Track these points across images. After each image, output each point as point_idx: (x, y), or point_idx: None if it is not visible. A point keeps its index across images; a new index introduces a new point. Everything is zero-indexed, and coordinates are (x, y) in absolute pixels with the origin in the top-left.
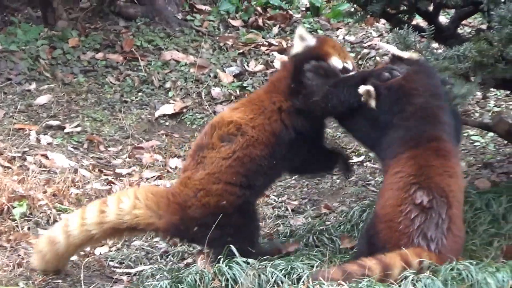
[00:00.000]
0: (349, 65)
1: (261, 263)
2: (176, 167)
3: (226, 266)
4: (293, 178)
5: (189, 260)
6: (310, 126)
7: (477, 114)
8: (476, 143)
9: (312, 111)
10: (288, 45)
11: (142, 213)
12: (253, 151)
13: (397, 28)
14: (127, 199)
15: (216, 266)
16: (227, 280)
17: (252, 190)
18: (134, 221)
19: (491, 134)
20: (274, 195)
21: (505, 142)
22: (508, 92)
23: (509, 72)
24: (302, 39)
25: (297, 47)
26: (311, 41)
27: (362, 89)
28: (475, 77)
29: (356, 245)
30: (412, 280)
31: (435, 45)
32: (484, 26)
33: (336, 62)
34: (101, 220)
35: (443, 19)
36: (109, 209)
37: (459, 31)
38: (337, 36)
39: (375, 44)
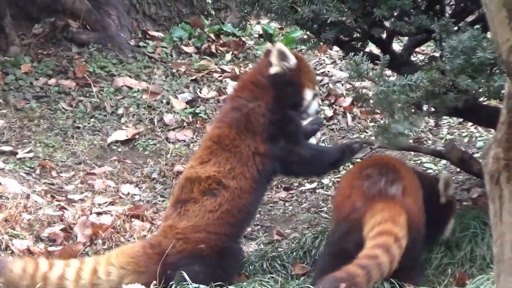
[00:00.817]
0: (317, 90)
1: None
2: (128, 193)
3: None
4: None
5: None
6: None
7: (430, 142)
8: (429, 171)
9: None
10: (241, 71)
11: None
12: (240, 202)
13: (351, 55)
14: (101, 268)
15: None
16: None
17: (237, 237)
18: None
19: (443, 161)
20: None
21: (458, 169)
22: (461, 120)
23: (460, 101)
24: (282, 58)
25: (276, 66)
26: (292, 61)
27: None
28: (427, 105)
29: (316, 266)
30: None
31: (388, 72)
32: (437, 54)
33: (308, 94)
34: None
35: (396, 46)
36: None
37: (413, 58)
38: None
39: (328, 71)
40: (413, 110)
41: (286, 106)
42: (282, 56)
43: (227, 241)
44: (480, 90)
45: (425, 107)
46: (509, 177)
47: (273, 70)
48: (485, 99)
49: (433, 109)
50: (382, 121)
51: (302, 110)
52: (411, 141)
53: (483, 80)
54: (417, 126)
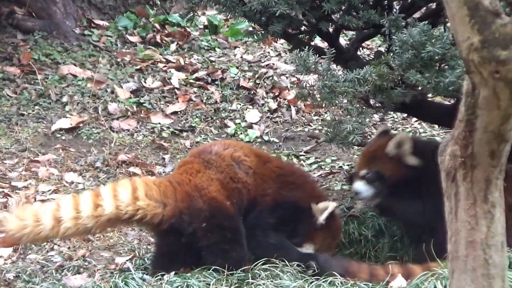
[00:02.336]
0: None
1: (157, 280)
2: (72, 182)
3: (122, 281)
4: None
5: (84, 275)
6: None
7: (373, 137)
8: None
9: None
10: (186, 62)
11: (146, 204)
12: (244, 196)
13: (297, 49)
14: (124, 191)
15: (112, 281)
16: None
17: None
18: (137, 213)
19: None
20: None
21: None
22: (405, 115)
23: (408, 96)
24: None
25: None
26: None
27: None
28: (375, 100)
29: None
30: None
31: (335, 66)
32: (383, 49)
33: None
34: (98, 214)
35: (342, 41)
36: (105, 203)
37: (359, 53)
38: (235, 55)
39: (273, 64)
40: (358, 105)
41: None
42: None
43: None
44: (429, 86)
45: (372, 102)
46: (465, 175)
47: None
48: (433, 95)
49: (380, 104)
50: (329, 118)
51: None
52: (360, 137)
53: (432, 76)
54: (365, 123)
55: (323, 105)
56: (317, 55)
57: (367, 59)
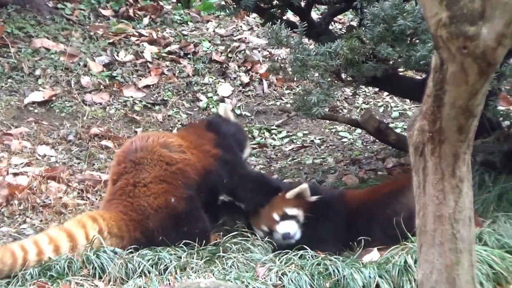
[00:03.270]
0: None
1: (128, 253)
2: (44, 155)
3: (94, 254)
4: None
5: None
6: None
7: (345, 111)
8: (344, 139)
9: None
10: (158, 36)
11: (109, 243)
12: (190, 172)
13: (270, 23)
14: (93, 231)
15: (84, 254)
16: (95, 268)
17: (194, 194)
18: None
19: (358, 130)
20: None
21: (373, 139)
22: (377, 89)
23: (379, 70)
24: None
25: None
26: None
27: None
28: (346, 74)
29: None
30: (277, 273)
31: (306, 40)
32: (355, 23)
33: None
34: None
35: (314, 15)
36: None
37: (330, 27)
38: (207, 29)
39: (245, 38)
40: (329, 79)
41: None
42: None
43: (187, 194)
44: (400, 60)
45: (344, 76)
46: (433, 149)
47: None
48: (404, 69)
49: (351, 78)
50: (298, 89)
51: None
52: (326, 109)
53: (403, 49)
54: (333, 96)
55: (295, 79)
56: (289, 29)
57: (339, 33)
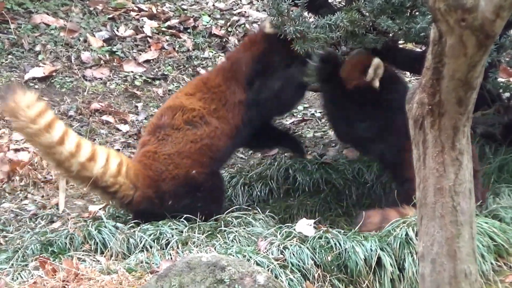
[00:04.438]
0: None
1: (130, 228)
2: None
3: (95, 230)
4: None
5: (58, 224)
6: (261, 118)
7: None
8: None
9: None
10: (158, 10)
11: (123, 181)
12: (218, 143)
13: None
14: (115, 160)
15: (86, 229)
16: (97, 243)
17: (219, 164)
18: (114, 186)
19: None
20: None
21: None
22: None
23: (379, 42)
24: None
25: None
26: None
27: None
28: (346, 46)
29: None
30: (278, 247)
31: (306, 14)
32: None
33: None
34: (88, 167)
35: None
36: (97, 163)
37: (330, 0)
38: (207, 3)
39: (245, 12)
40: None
41: (272, 61)
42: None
43: (210, 167)
44: (400, 32)
45: (344, 48)
46: (433, 122)
47: (267, 30)
48: (404, 41)
49: (351, 50)
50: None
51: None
52: None
53: (403, 22)
54: None
55: (296, 50)
56: (290, 0)
57: (339, 6)
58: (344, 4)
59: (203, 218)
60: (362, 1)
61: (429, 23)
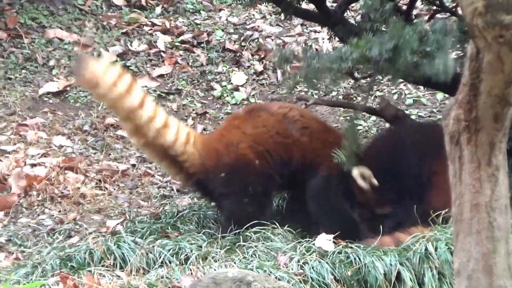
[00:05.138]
0: None
1: (149, 243)
2: (60, 145)
3: (114, 245)
4: None
5: (76, 238)
6: None
7: (359, 98)
8: (359, 127)
9: None
10: (171, 25)
11: (193, 152)
12: (295, 153)
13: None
14: (184, 131)
15: (105, 244)
16: (115, 259)
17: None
18: (183, 156)
19: (373, 118)
20: (158, 175)
21: (388, 126)
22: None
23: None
24: None
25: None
26: None
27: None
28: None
29: None
30: (299, 262)
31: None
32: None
33: None
34: (161, 134)
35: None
36: (170, 130)
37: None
38: (220, 18)
39: (258, 26)
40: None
41: None
42: None
43: (272, 169)
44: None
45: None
46: (469, 138)
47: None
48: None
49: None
50: None
51: None
52: (341, 97)
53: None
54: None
55: (310, 86)
56: (305, 18)
57: (355, 20)
58: (360, 22)
59: (238, 220)
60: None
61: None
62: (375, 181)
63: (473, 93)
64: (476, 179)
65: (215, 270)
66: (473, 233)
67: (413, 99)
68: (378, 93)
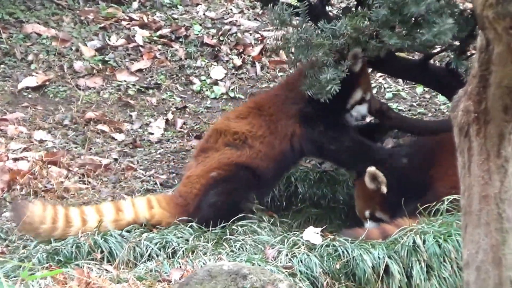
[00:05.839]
0: (367, 96)
1: (136, 236)
2: (41, 140)
3: (101, 238)
4: (158, 152)
5: None
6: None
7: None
8: None
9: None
10: (149, 19)
11: (159, 213)
12: (260, 163)
13: (271, 5)
14: (143, 204)
15: (92, 238)
16: (103, 252)
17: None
18: (152, 220)
19: None
20: (141, 169)
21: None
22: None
23: (383, 50)
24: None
25: None
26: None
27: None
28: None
29: None
30: (287, 255)
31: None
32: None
33: (357, 94)
34: (118, 219)
35: None
36: (124, 213)
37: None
38: (197, 12)
39: (236, 21)
40: (335, 57)
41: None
42: None
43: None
44: (406, 45)
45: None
46: (478, 130)
47: None
48: (408, 51)
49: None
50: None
51: (347, 108)
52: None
53: (408, 36)
54: (341, 74)
55: (300, 59)
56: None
57: (336, 14)
58: (341, 13)
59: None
60: (367, 9)
61: (434, 35)
62: (384, 190)
63: (483, 84)
64: (485, 170)
65: (204, 263)
66: (482, 225)
67: (393, 93)
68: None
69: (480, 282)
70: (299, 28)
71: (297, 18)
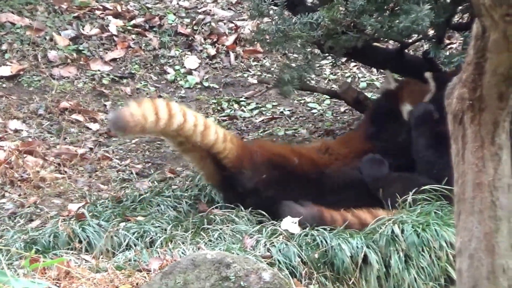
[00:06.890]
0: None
1: (114, 225)
2: (16, 129)
3: (79, 228)
4: (133, 141)
5: (37, 222)
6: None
7: (313, 82)
8: (314, 110)
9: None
10: (123, 9)
11: (232, 147)
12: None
13: None
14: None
15: (70, 227)
16: (81, 242)
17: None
18: (224, 153)
19: (327, 101)
20: (117, 158)
21: (343, 109)
22: (343, 60)
23: (360, 41)
24: (386, 81)
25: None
26: (392, 85)
27: None
28: (326, 44)
29: None
30: (265, 245)
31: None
32: None
33: (405, 108)
34: (204, 135)
35: None
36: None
37: None
38: (171, 2)
39: (210, 10)
40: (310, 50)
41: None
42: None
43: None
44: (382, 30)
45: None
46: (473, 117)
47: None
48: (384, 39)
49: (331, 49)
50: (268, 64)
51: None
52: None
53: (385, 20)
54: (312, 68)
55: (277, 49)
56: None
57: (315, 3)
58: (318, 2)
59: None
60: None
61: (412, 22)
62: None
63: (478, 72)
64: (479, 158)
65: (183, 253)
66: (475, 212)
67: (367, 83)
68: (331, 77)
69: (473, 270)
70: (276, 19)
71: (275, 8)
